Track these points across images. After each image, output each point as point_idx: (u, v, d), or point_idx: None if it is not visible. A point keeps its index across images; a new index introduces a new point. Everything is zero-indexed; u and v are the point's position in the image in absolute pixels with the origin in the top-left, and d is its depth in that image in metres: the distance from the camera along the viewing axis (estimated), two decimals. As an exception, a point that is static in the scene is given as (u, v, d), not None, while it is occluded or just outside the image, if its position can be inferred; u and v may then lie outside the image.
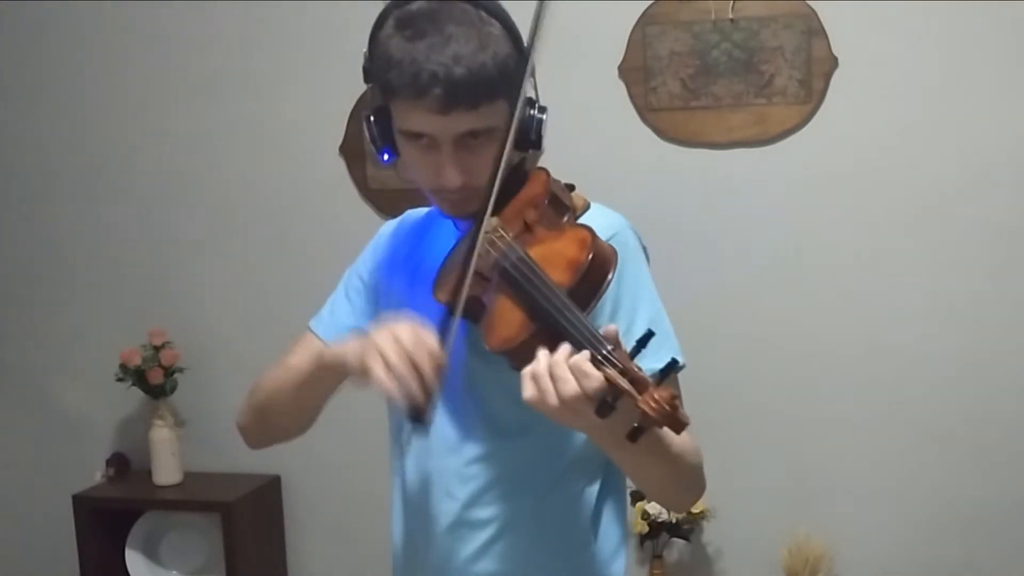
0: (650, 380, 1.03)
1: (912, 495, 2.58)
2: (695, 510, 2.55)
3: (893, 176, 2.50)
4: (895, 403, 2.56)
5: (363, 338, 1.20)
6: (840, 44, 2.47)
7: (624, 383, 1.03)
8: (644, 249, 1.34)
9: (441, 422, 1.35)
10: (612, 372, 1.04)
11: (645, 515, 2.55)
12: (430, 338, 1.16)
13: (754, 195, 2.58)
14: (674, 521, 2.58)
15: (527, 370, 1.09)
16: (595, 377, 1.04)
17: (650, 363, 1.09)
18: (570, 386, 1.05)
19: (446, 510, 1.36)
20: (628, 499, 1.45)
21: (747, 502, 2.62)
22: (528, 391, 1.08)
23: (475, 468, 1.34)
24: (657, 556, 2.64)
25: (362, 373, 1.18)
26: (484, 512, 1.35)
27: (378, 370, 1.15)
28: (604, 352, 1.05)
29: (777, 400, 2.62)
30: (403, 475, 1.42)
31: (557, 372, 1.06)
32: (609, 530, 1.40)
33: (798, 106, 2.51)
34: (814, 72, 2.49)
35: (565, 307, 1.11)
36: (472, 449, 1.34)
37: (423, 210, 1.46)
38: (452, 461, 1.34)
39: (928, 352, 2.53)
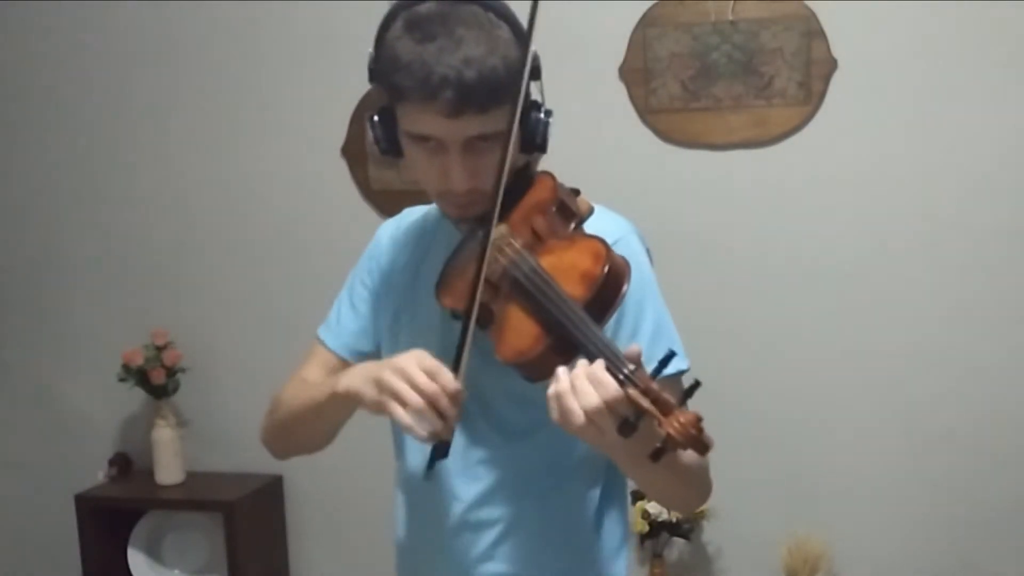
0: (673, 402, 1.02)
1: (912, 495, 2.58)
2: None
3: (892, 177, 2.51)
4: (895, 403, 2.56)
5: (375, 374, 1.19)
6: (839, 46, 2.47)
7: (646, 403, 1.02)
8: (648, 252, 1.34)
9: None
10: (635, 392, 1.03)
11: (645, 514, 2.56)
12: (443, 374, 1.16)
13: (753, 196, 2.58)
14: (674, 520, 2.59)
15: (550, 391, 1.09)
16: (611, 385, 1.04)
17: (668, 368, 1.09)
18: (591, 398, 1.05)
19: (451, 511, 1.36)
20: (629, 500, 1.46)
21: (747, 502, 2.62)
22: (553, 413, 1.09)
23: (480, 470, 1.35)
24: (657, 555, 2.64)
25: (379, 411, 1.19)
26: (489, 513, 1.35)
27: (398, 412, 1.16)
28: (626, 372, 1.05)
29: (777, 400, 2.62)
30: (406, 476, 1.42)
31: (578, 385, 1.06)
32: (611, 530, 1.41)
33: (798, 108, 2.52)
34: (813, 74, 2.50)
35: (582, 322, 1.10)
36: (477, 451, 1.34)
37: (421, 209, 1.45)
38: (457, 463, 1.34)
39: (928, 352, 2.53)
